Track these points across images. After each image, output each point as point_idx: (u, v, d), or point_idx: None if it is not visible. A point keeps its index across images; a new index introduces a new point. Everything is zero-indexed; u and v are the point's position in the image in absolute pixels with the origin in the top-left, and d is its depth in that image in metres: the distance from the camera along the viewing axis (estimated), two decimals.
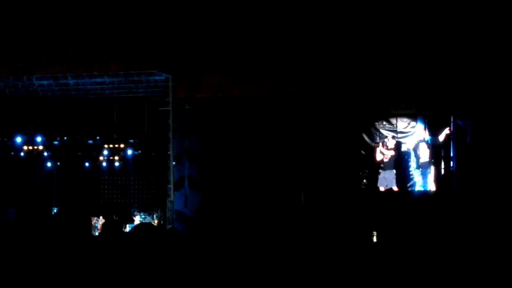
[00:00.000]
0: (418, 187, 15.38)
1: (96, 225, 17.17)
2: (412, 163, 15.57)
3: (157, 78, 16.25)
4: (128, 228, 16.92)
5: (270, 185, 14.99)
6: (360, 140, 15.79)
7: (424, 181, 15.42)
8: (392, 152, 15.56)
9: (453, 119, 15.14)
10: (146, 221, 17.02)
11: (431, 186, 15.27)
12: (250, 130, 15.42)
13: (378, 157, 15.65)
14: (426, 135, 15.53)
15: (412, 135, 15.69)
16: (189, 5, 13.63)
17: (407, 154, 15.66)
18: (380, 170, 15.64)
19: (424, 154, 15.47)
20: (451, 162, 15.20)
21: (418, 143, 15.60)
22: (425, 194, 15.15)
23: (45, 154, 18.91)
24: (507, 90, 13.88)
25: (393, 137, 15.68)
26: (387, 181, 15.52)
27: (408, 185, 15.52)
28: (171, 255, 4.16)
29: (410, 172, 15.61)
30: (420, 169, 15.53)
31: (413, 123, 15.71)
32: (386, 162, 15.59)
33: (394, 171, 15.60)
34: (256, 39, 14.03)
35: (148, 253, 4.14)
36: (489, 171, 13.94)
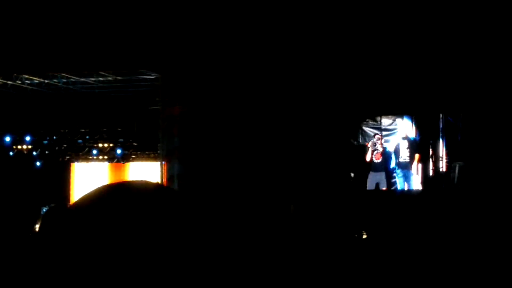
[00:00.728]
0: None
1: None
2: (393, 163, 14.55)
3: (147, 77, 16.25)
4: None
5: (258, 187, 14.93)
6: (342, 140, 14.88)
7: (407, 183, 14.41)
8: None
9: (443, 115, 14.43)
10: None
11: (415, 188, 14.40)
12: (240, 131, 15.43)
13: (368, 157, 14.55)
14: (410, 133, 14.57)
15: (397, 132, 14.85)
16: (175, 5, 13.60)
17: (390, 153, 14.68)
18: (370, 172, 14.59)
19: (404, 153, 14.48)
20: (441, 162, 14.51)
21: (399, 141, 14.59)
22: (413, 194, 14.44)
23: (34, 153, 18.86)
24: (500, 86, 13.71)
25: (376, 135, 14.68)
26: (379, 183, 14.52)
27: (393, 188, 14.58)
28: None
29: (393, 174, 14.63)
30: (400, 169, 14.47)
31: (399, 119, 14.74)
32: (377, 162, 14.51)
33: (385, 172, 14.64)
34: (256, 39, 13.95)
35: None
36: (482, 171, 13.57)
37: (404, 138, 14.49)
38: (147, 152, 18.12)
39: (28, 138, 18.60)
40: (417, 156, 14.39)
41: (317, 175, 14.64)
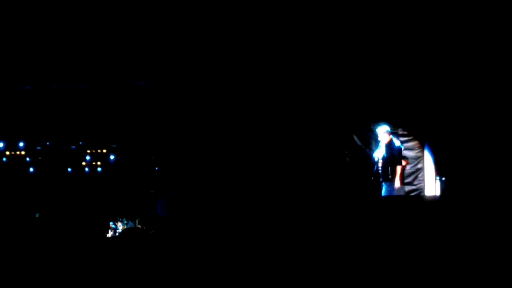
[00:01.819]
0: None
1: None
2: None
3: (140, 84, 16.31)
4: (109, 233, 16.95)
5: (251, 193, 14.89)
6: (351, 145, 13.61)
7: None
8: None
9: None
10: (129, 226, 17.05)
11: None
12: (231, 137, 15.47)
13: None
14: (394, 140, 13.10)
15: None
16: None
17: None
18: (386, 183, 12.97)
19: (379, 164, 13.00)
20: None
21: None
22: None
23: (28, 159, 18.92)
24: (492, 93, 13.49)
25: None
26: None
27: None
28: (157, 257, 4.27)
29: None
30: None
31: (381, 127, 13.16)
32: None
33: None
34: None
35: (137, 255, 4.25)
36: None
37: (386, 146, 13.05)
38: (140, 158, 18.17)
39: (21, 144, 18.63)
40: (399, 168, 12.89)
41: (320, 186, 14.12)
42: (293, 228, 13.28)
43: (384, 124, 13.34)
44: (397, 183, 12.48)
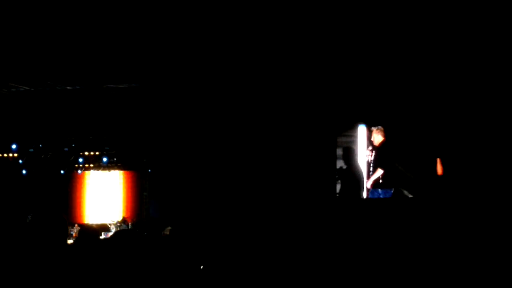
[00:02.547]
0: None
1: (71, 233, 17.13)
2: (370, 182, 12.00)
3: (133, 86, 16.31)
4: (103, 236, 16.90)
5: (243, 195, 14.88)
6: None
7: None
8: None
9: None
10: (122, 228, 17.02)
11: None
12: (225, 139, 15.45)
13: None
14: (377, 140, 12.26)
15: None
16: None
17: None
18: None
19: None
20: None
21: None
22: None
23: (20, 161, 18.86)
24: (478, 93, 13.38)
25: None
26: None
27: None
28: (150, 260, 4.26)
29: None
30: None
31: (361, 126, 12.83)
32: None
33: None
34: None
35: (129, 258, 4.23)
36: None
37: (373, 148, 12.23)
38: (133, 160, 18.16)
39: (14, 146, 18.58)
40: (379, 171, 11.98)
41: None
42: (286, 232, 13.28)
43: (380, 125, 12.80)
44: (368, 184, 12.01)
